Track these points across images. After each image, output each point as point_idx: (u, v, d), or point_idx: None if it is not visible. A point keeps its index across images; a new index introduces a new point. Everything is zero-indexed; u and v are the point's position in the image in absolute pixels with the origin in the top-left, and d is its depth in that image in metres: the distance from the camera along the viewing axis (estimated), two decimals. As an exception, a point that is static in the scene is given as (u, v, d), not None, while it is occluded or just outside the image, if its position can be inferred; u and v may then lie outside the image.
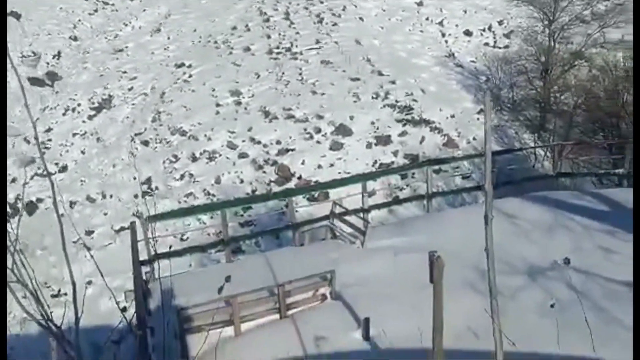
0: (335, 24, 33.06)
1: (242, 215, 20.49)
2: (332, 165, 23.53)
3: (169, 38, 34.23)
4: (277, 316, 8.60)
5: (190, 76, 30.01)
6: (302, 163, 23.72)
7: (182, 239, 18.65)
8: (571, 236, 9.62)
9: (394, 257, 9.63)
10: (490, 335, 6.79)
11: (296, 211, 18.07)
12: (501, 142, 25.45)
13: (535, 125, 26.28)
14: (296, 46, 31.40)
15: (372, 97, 27.04)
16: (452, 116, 26.04)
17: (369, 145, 24.59)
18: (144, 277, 9.21)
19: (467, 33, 32.94)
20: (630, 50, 24.77)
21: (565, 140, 22.31)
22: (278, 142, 24.89)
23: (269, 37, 32.55)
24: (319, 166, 23.53)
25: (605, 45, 27.05)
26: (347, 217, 11.17)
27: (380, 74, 28.64)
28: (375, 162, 24.09)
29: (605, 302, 7.64)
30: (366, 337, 7.63)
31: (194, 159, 24.66)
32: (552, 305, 4.16)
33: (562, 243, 9.42)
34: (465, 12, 34.19)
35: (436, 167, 20.05)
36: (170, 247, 11.05)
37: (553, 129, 24.90)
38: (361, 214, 11.43)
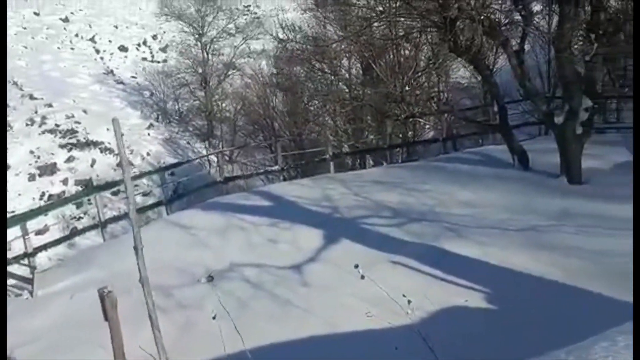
0: (-36, 45, 28.30)
1: None
2: (-12, 207, 20.21)
3: None
4: None
5: None
6: (-54, 212, 19.71)
7: None
8: (243, 234, 10.39)
9: (71, 299, 8.82)
10: (180, 354, 6.82)
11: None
12: (175, 153, 25.91)
13: (204, 134, 27.58)
14: None
15: (27, 124, 24.22)
16: (121, 134, 25.25)
17: (31, 178, 22.00)
18: None
19: (123, 48, 32.35)
20: (272, 58, 28.16)
21: (232, 145, 24.11)
22: None
23: None
24: (-30, 212, 19.95)
25: (251, 55, 30.06)
26: (7, 268, 9.71)
27: (32, 97, 25.81)
28: (43, 194, 21.72)
29: (278, 289, 8.48)
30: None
31: None
32: (214, 318, 4.37)
33: (236, 242, 10.10)
34: (116, 27, 33.46)
35: (114, 189, 19.20)
36: None
37: (220, 135, 26.57)
38: (25, 260, 10.09)
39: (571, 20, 11.52)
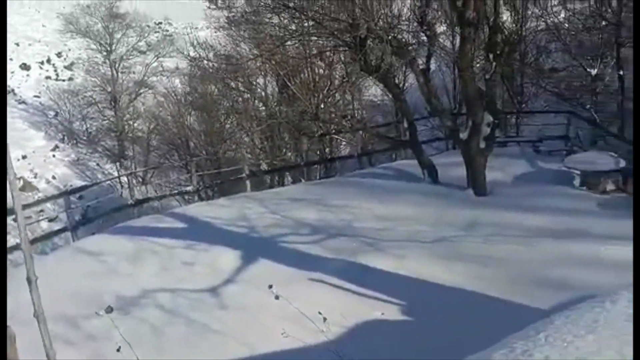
0: None
1: None
2: None
3: None
4: None
5: None
6: None
7: None
8: (156, 259, 9.99)
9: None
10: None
11: None
12: (84, 176, 24.67)
13: (115, 155, 26.46)
14: None
15: None
16: (24, 157, 23.79)
17: None
18: None
19: (25, 67, 30.57)
20: (186, 76, 27.59)
21: (146, 166, 23.30)
22: None
23: None
24: None
25: (164, 73, 29.32)
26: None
27: None
28: None
29: (194, 313, 8.22)
30: None
31: None
32: (118, 350, 4.13)
33: (148, 267, 9.69)
34: (17, 44, 31.61)
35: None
36: None
37: (133, 155, 25.60)
38: None
39: (471, 41, 12.23)
